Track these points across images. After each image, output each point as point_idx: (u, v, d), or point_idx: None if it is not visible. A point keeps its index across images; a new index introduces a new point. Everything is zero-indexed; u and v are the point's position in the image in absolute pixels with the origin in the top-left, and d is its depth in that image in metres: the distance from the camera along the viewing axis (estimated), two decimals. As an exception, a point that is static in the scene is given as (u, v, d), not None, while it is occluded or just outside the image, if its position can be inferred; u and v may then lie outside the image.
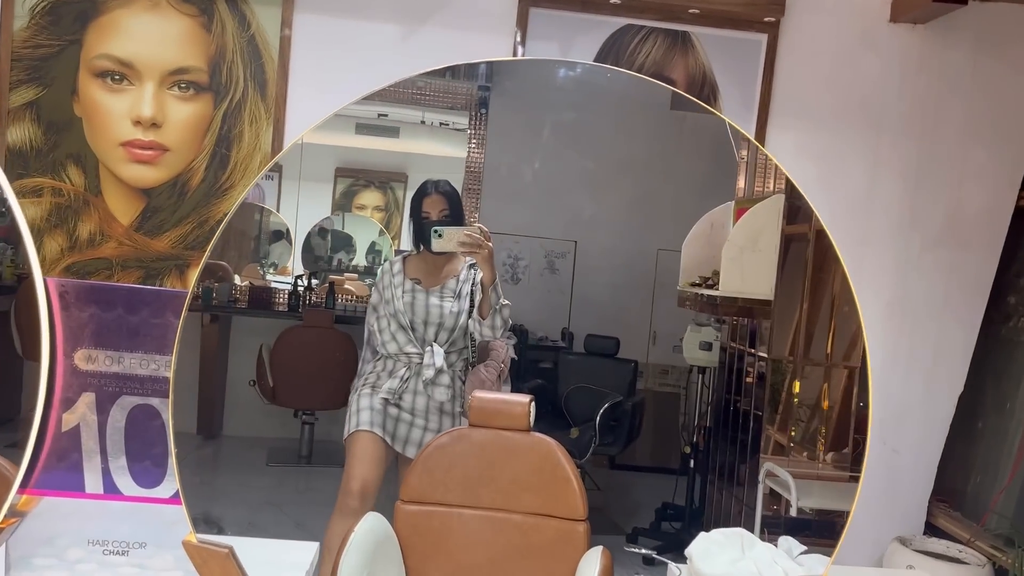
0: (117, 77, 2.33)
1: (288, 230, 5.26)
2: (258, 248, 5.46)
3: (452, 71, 5.01)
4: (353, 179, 5.33)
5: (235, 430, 4.67)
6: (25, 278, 2.20)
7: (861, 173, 2.55)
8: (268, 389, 3.91)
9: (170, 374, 1.69)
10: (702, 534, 1.62)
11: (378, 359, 2.29)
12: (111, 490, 1.74)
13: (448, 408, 2.26)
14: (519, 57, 2.48)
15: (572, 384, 4.05)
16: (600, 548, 1.65)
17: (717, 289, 2.54)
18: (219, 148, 2.38)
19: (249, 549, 1.55)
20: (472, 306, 2.23)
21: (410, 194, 4.04)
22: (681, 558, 3.32)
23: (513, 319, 4.62)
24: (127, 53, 2.33)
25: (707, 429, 3.40)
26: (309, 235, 5.19)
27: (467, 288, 2.25)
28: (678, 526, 3.55)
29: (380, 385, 2.23)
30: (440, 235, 2.07)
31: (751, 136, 2.44)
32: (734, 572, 1.47)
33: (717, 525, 2.83)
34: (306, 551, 1.86)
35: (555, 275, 4.97)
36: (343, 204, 5.48)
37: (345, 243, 5.19)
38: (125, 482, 1.77)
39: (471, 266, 2.27)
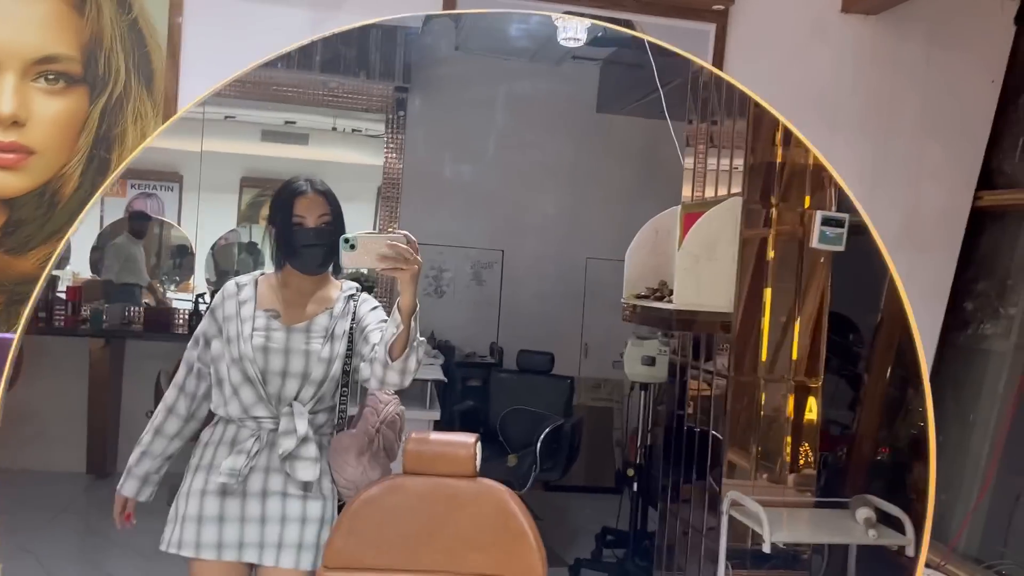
0: (-32, 67, 1.96)
1: (189, 244, 4.86)
2: (159, 264, 5.03)
3: (367, 71, 4.68)
4: (260, 189, 4.97)
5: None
6: None
7: (815, 173, 2.39)
8: (167, 421, 3.48)
9: None
10: None
11: (215, 423, 1.64)
12: None
13: (317, 490, 1.59)
14: (454, 10, 2.21)
15: (506, 405, 3.78)
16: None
17: (666, 300, 2.32)
18: (97, 150, 2.04)
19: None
20: (351, 346, 1.62)
21: None
22: (628, 590, 3.12)
23: (439, 334, 4.36)
24: (-19, 38, 1.96)
25: (648, 448, 3.19)
26: (213, 249, 4.79)
27: (345, 325, 1.63)
28: (621, 554, 3.34)
29: (216, 464, 1.58)
30: (353, 246, 1.47)
31: (708, 63, 2.24)
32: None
33: (668, 553, 2.63)
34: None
35: (482, 287, 4.71)
36: (250, 215, 5.12)
37: (254, 256, 4.81)
38: None
39: (350, 297, 1.67)
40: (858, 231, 2.16)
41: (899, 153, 2.41)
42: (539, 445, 2.98)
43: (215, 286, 4.26)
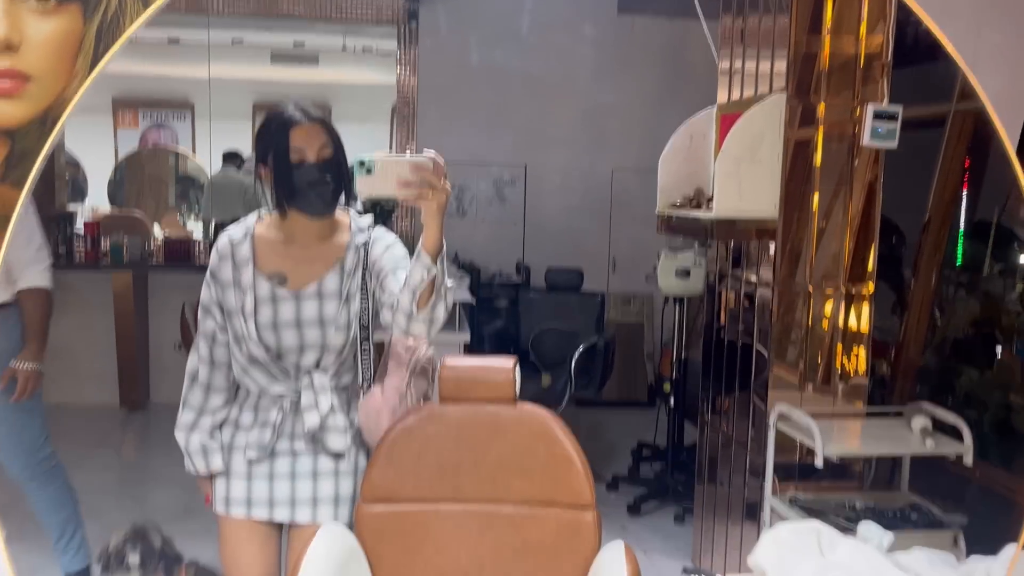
0: (-47, -13, 1.82)
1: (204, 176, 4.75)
2: (176, 195, 4.94)
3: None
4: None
5: (165, 397, 4.24)
6: None
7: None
8: (195, 352, 3.44)
9: None
10: (765, 536, 1.30)
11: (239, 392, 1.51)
12: None
13: (344, 442, 1.48)
14: None
15: (536, 325, 3.68)
16: (620, 545, 1.33)
17: (705, 208, 2.20)
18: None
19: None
20: (366, 297, 1.44)
21: (339, 127, 3.11)
22: (668, 502, 3.08)
23: (463, 255, 4.26)
24: (-38, -45, 1.82)
25: (683, 362, 3.11)
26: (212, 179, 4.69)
27: (358, 279, 1.44)
28: (658, 468, 3.30)
29: (242, 424, 1.48)
30: (369, 170, 1.25)
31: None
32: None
33: (710, 467, 2.57)
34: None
35: (504, 204, 4.57)
36: (258, 143, 4.96)
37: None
38: None
39: (362, 246, 1.46)
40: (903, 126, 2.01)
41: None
42: (573, 364, 2.91)
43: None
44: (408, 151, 1.32)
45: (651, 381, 4.25)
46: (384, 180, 1.27)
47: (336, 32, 4.72)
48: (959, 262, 2.89)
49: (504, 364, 1.48)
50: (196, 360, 1.49)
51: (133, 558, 1.74)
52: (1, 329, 2.08)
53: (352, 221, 1.48)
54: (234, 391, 1.50)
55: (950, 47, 1.50)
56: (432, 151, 1.27)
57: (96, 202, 4.80)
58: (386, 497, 1.45)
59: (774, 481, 2.06)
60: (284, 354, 1.42)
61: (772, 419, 2.02)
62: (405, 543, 1.45)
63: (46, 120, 1.93)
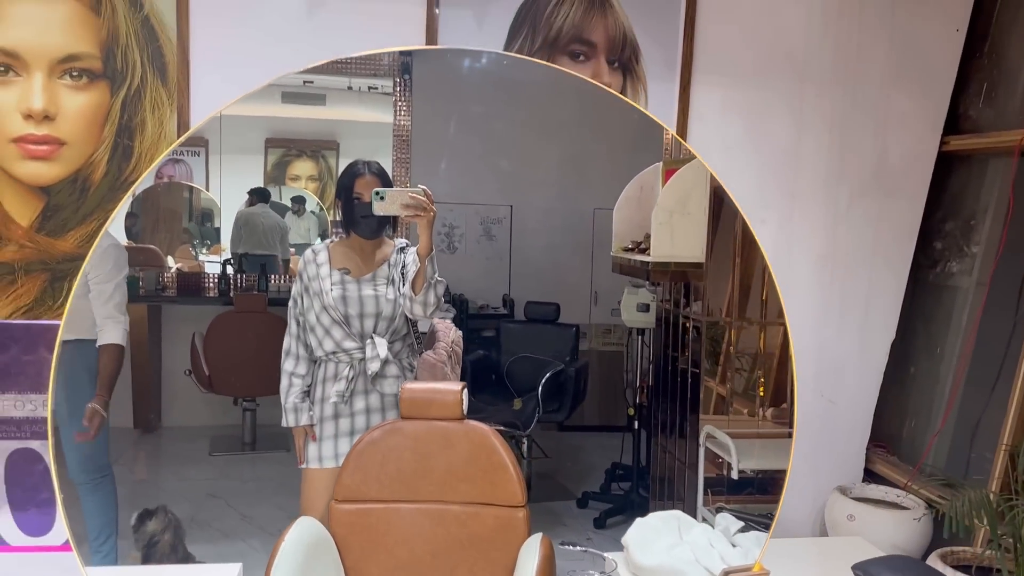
0: (2, 68, 2.17)
1: (216, 208, 5.08)
2: (190, 229, 5.26)
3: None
4: (284, 149, 5.14)
5: (175, 421, 4.54)
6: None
7: (788, 126, 2.53)
8: (204, 378, 3.80)
9: (47, 413, 1.57)
10: (638, 520, 1.59)
11: (317, 364, 2.13)
12: None
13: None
14: (422, 47, 2.39)
15: (514, 353, 4.01)
16: (539, 536, 1.63)
17: (647, 252, 2.51)
18: (120, 139, 2.25)
19: None
20: (404, 284, 2.08)
21: (344, 162, 3.86)
22: (632, 516, 3.35)
23: (453, 288, 4.56)
24: (11, 42, 2.16)
25: (649, 388, 3.40)
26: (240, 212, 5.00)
27: (398, 271, 2.09)
28: (627, 487, 3.57)
29: (326, 394, 2.08)
30: (382, 197, 1.89)
31: (672, 129, 2.41)
32: (670, 560, 1.45)
33: (663, 484, 2.85)
34: (227, 573, 1.79)
35: (492, 241, 4.89)
36: (276, 176, 5.32)
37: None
38: (11, 532, 1.65)
39: (401, 250, 2.13)
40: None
41: (867, 103, 2.53)
42: (540, 389, 3.20)
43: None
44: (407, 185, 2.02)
45: (629, 406, 4.52)
46: (392, 204, 1.91)
47: (343, 73, 5.06)
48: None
49: (453, 387, 1.79)
50: (288, 339, 2.15)
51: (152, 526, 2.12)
52: (80, 360, 2.27)
53: (395, 240, 2.17)
54: (314, 365, 2.11)
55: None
56: (423, 185, 1.90)
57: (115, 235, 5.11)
58: (354, 498, 1.75)
59: (706, 493, 2.34)
60: (350, 319, 2.02)
61: (701, 437, 2.31)
62: (370, 536, 1.74)
63: (77, 179, 2.28)
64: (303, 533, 1.62)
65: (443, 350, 2.27)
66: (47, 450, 1.63)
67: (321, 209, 4.97)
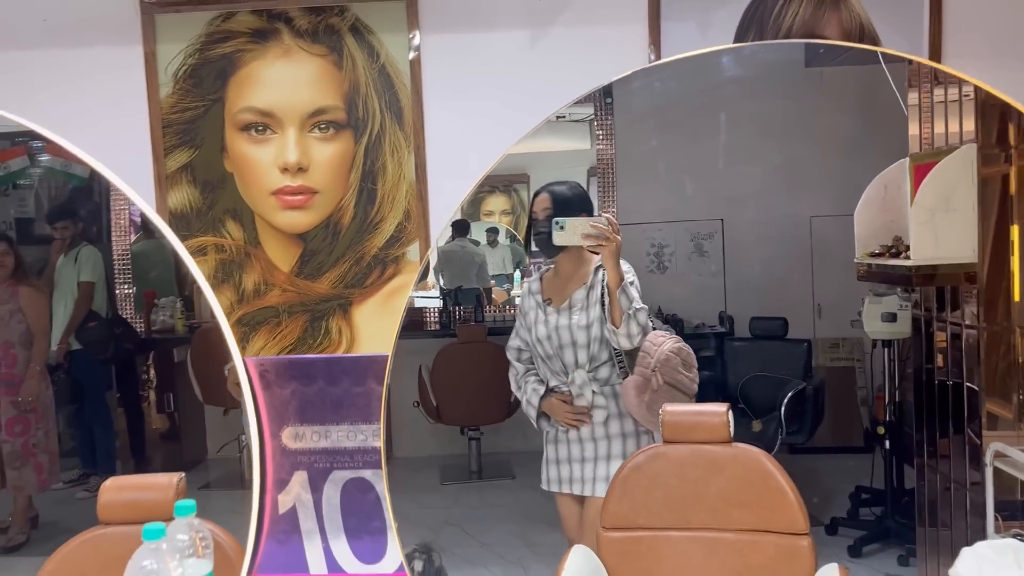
0: (260, 128, 2.35)
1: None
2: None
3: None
4: (478, 186, 5.33)
5: (405, 451, 4.74)
6: (197, 327, 2.26)
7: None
8: (432, 408, 3.93)
9: (380, 443, 1.66)
10: (965, 551, 1.44)
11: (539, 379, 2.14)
12: (334, 568, 1.73)
13: (615, 429, 2.02)
14: (653, 63, 2.34)
15: (743, 373, 3.84)
16: (835, 567, 1.51)
17: (903, 256, 2.31)
18: (365, 183, 2.38)
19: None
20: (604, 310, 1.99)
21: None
22: (891, 544, 3.10)
23: (666, 309, 4.47)
24: (267, 103, 2.35)
25: (896, 404, 3.14)
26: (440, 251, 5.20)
27: (596, 293, 2.00)
28: (878, 511, 3.30)
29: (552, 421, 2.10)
30: (562, 227, 1.84)
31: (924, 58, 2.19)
32: (1018, 596, 1.28)
33: (930, 509, 2.60)
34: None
35: (704, 258, 4.75)
36: (471, 212, 5.48)
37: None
38: (347, 559, 1.76)
39: (599, 267, 2.03)
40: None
41: None
42: (783, 409, 3.04)
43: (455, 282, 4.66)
44: (599, 214, 1.88)
45: (866, 425, 4.22)
46: (572, 234, 1.85)
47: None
48: None
49: (718, 409, 1.71)
50: (514, 364, 2.16)
51: (418, 566, 2.16)
52: None
53: (595, 259, 2.02)
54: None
55: None
56: (607, 214, 1.85)
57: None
58: (623, 525, 1.71)
59: (996, 519, 2.10)
60: (554, 353, 1.99)
61: (989, 458, 2.07)
62: (641, 564, 1.69)
63: (328, 224, 2.43)
64: (578, 562, 1.60)
65: (644, 372, 2.01)
66: (379, 479, 1.72)
67: (514, 240, 5.06)
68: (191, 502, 1.23)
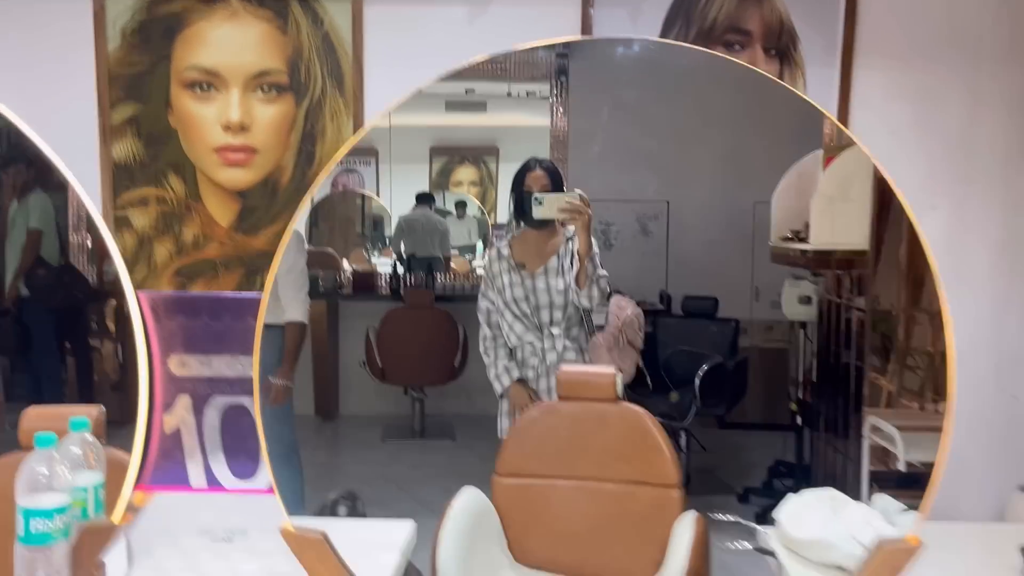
0: (205, 86, 2.44)
1: (388, 215, 5.41)
2: (363, 233, 5.64)
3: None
4: (448, 157, 5.41)
5: (351, 409, 4.87)
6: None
7: (961, 107, 2.41)
8: (377, 369, 4.07)
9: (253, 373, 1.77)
10: (791, 495, 1.59)
11: (509, 349, 2.34)
12: (213, 483, 1.88)
13: None
14: (577, 37, 2.45)
15: (671, 348, 4.00)
16: (693, 513, 1.66)
17: (808, 242, 2.46)
18: (304, 145, 2.47)
19: (346, 531, 1.61)
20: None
21: (504, 167, 4.18)
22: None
23: (610, 285, 4.62)
24: (212, 62, 2.43)
25: (813, 384, 3.31)
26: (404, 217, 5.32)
27: (567, 261, 2.27)
28: (790, 484, 3.48)
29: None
30: (540, 202, 2.09)
31: (833, 115, 2.35)
32: (824, 535, 1.44)
33: (825, 482, 2.78)
34: (402, 530, 1.92)
35: (648, 237, 4.90)
36: (440, 182, 5.57)
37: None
38: (225, 475, 1.90)
39: (569, 239, 2.29)
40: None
41: (1051, 79, 2.37)
42: (697, 382, 3.20)
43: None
44: (564, 189, 2.19)
45: (790, 405, 4.41)
46: (549, 208, 2.10)
47: (502, 80, 5.25)
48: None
49: (607, 370, 1.86)
50: (483, 327, 2.36)
51: (342, 511, 2.29)
52: (268, 346, 2.58)
53: (565, 230, 2.29)
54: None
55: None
56: (579, 190, 1.93)
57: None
58: (515, 472, 1.86)
59: (872, 489, 2.27)
60: (530, 313, 2.21)
61: (865, 429, 2.24)
62: (530, 509, 1.84)
63: (267, 183, 2.53)
64: (469, 502, 1.74)
65: (612, 332, 2.41)
66: (254, 406, 1.85)
67: (482, 213, 5.16)
68: (84, 419, 1.35)
